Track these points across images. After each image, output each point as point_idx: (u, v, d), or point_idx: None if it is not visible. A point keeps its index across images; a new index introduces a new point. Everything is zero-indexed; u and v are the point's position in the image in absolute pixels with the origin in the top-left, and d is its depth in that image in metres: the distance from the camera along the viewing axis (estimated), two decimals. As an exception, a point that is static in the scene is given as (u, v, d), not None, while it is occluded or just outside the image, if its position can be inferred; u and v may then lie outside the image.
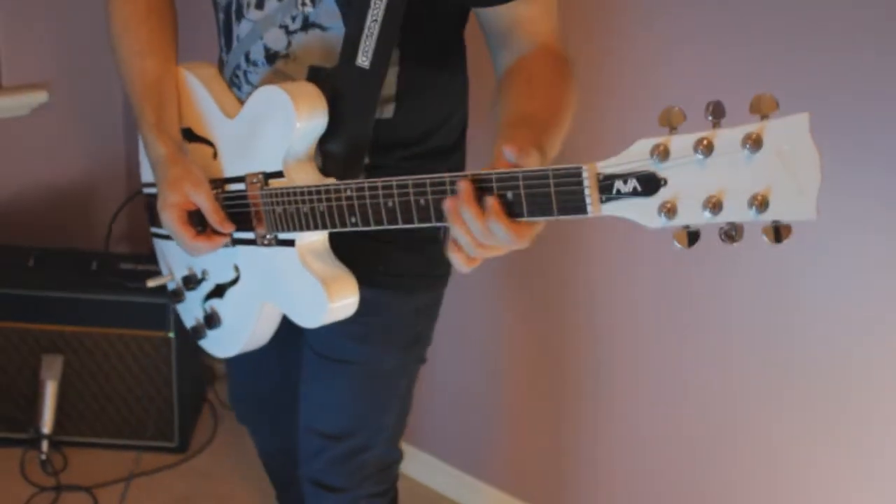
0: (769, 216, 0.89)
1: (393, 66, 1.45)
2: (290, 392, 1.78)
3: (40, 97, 2.89)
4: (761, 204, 0.88)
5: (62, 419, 2.76)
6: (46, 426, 2.69)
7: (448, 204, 1.15)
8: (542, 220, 1.10)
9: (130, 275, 2.71)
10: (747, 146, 0.88)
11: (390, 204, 1.23)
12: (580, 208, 1.03)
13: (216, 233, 1.50)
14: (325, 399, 1.70)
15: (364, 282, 1.46)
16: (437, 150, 1.58)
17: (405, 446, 2.72)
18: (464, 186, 1.12)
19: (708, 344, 2.15)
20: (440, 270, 1.65)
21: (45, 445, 2.69)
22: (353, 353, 1.62)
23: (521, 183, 1.08)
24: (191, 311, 1.70)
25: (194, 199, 1.48)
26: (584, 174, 1.01)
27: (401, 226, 1.23)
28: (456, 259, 1.19)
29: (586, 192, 1.01)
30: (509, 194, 1.09)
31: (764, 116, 0.89)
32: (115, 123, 3.09)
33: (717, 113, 0.92)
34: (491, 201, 1.10)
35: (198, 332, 1.68)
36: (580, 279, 2.34)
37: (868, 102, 1.85)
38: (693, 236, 0.96)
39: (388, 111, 1.49)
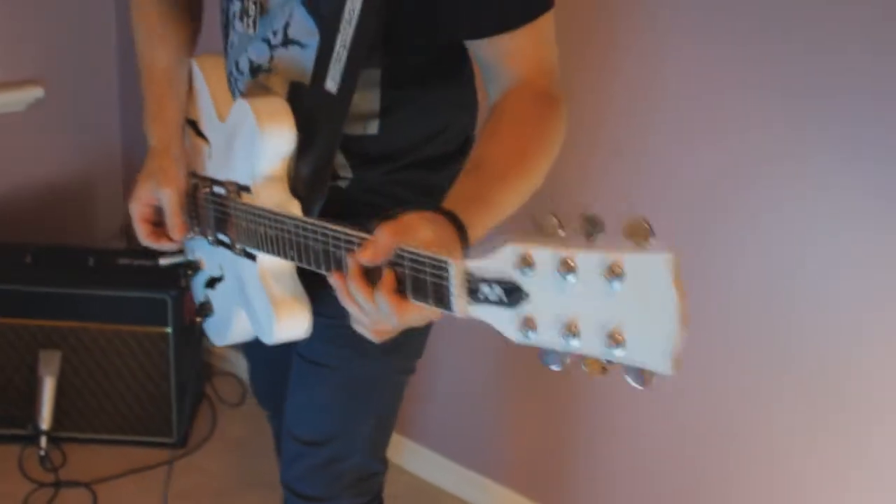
0: (624, 357, 0.80)
1: (374, 87, 1.41)
2: None
3: (36, 93, 2.88)
4: (616, 342, 0.80)
5: (60, 415, 2.77)
6: (45, 422, 2.70)
7: (336, 280, 1.12)
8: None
9: (128, 270, 2.71)
10: (607, 276, 0.79)
11: (317, 248, 1.20)
12: (448, 305, 0.96)
13: (167, 235, 1.57)
14: (305, 404, 1.68)
15: None
16: (429, 160, 1.52)
17: (408, 442, 2.75)
18: (351, 264, 1.09)
19: (707, 340, 2.13)
20: None
21: (43, 441, 2.70)
22: (331, 356, 1.59)
23: (405, 263, 1.03)
24: (198, 291, 1.75)
25: (158, 196, 1.53)
26: (452, 270, 0.94)
27: (324, 272, 1.20)
28: (360, 329, 1.16)
29: (453, 290, 0.95)
30: (397, 270, 1.05)
31: (638, 244, 0.80)
32: (111, 119, 3.08)
33: (591, 227, 0.83)
34: (385, 273, 1.05)
35: (199, 313, 1.72)
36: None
37: (866, 99, 1.82)
38: (555, 356, 0.89)
39: (371, 127, 1.44)
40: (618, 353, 0.81)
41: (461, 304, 0.95)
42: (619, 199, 2.14)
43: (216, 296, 1.64)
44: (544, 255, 0.85)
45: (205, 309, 1.67)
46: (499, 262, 0.90)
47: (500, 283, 0.90)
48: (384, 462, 1.77)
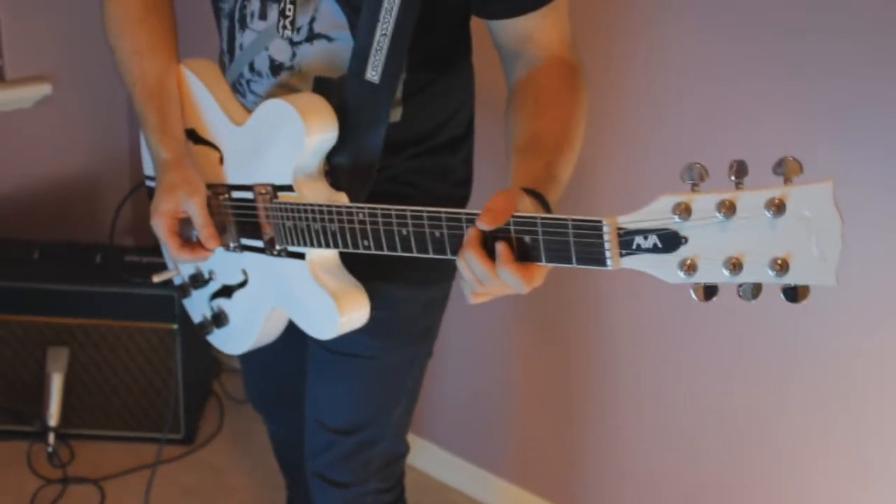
0: (788, 279, 0.89)
1: (401, 73, 1.43)
2: (304, 383, 1.77)
3: (44, 90, 2.87)
4: (782, 267, 0.89)
5: (68, 412, 2.77)
6: (53, 419, 2.70)
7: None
8: (559, 266, 1.10)
9: (135, 267, 2.71)
10: (770, 210, 0.88)
11: (404, 233, 1.22)
12: (600, 261, 1.02)
13: (201, 245, 1.51)
14: (334, 393, 1.70)
15: (375, 275, 1.46)
16: (447, 143, 1.58)
17: (415, 439, 2.77)
18: (471, 233, 1.13)
19: (712, 340, 2.16)
20: (451, 264, 1.64)
21: (51, 438, 2.70)
22: (363, 347, 1.61)
23: (539, 229, 1.07)
24: (197, 307, 1.71)
25: (185, 208, 1.49)
26: (605, 228, 1.00)
27: (415, 254, 1.23)
28: (465, 291, 1.19)
29: (606, 245, 1.01)
30: (527, 238, 1.09)
31: (787, 180, 0.88)
32: (119, 115, 3.07)
33: (739, 173, 0.91)
34: (500, 247, 1.10)
35: (205, 329, 1.68)
36: (589, 279, 2.34)
37: (873, 89, 1.83)
38: (711, 291, 0.96)
39: (395, 115, 1.48)
40: (783, 278, 0.90)
41: (615, 258, 1.01)
42: (625, 189, 2.17)
43: (234, 304, 1.62)
44: (703, 201, 0.93)
45: (219, 320, 1.65)
46: (652, 213, 0.97)
47: (655, 231, 0.97)
48: (407, 445, 1.83)
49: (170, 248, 1.52)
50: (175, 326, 2.72)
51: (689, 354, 2.21)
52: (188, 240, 1.53)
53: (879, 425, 1.97)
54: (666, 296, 2.18)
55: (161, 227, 1.50)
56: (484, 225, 1.10)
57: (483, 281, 1.13)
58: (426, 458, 2.80)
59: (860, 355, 1.96)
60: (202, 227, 1.49)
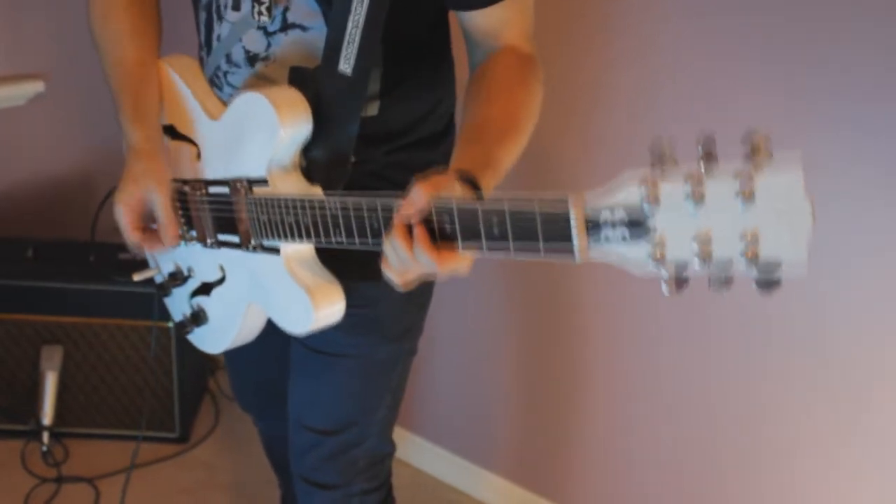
0: (759, 250, 0.86)
1: (375, 66, 1.43)
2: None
3: (37, 87, 2.85)
4: (753, 256, 0.86)
5: (63, 410, 2.76)
6: (47, 417, 2.70)
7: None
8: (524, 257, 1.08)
9: (128, 265, 2.69)
10: (738, 199, 0.85)
11: (375, 225, 1.21)
12: (568, 252, 1.00)
13: (159, 239, 1.50)
14: (316, 393, 1.69)
15: (355, 273, 1.44)
16: (426, 138, 1.57)
17: (408, 435, 2.76)
18: (397, 219, 1.15)
19: (708, 337, 2.15)
20: None
21: (45, 437, 2.70)
22: (344, 345, 1.60)
23: (507, 217, 1.05)
24: (178, 305, 1.69)
25: (150, 200, 1.47)
26: (572, 217, 0.98)
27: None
28: (389, 276, 1.21)
29: (574, 234, 0.98)
30: (447, 224, 1.11)
31: (760, 161, 0.86)
32: (112, 113, 3.05)
33: (709, 158, 0.88)
34: (417, 229, 1.12)
35: (185, 327, 1.67)
36: (584, 270, 2.32)
37: (869, 74, 1.80)
38: (681, 283, 0.94)
39: (372, 109, 1.47)
40: (754, 268, 0.87)
41: (582, 250, 0.98)
42: (617, 167, 2.13)
43: (212, 301, 1.60)
44: (670, 189, 0.90)
45: (198, 318, 1.63)
46: (619, 201, 0.94)
47: (622, 221, 0.94)
48: (393, 444, 1.81)
49: (129, 240, 1.50)
50: (170, 324, 2.71)
51: (681, 349, 2.20)
52: (148, 228, 1.51)
53: (863, 414, 1.95)
54: (656, 291, 2.16)
55: (123, 218, 1.48)
56: (404, 216, 1.13)
57: (404, 263, 1.16)
58: (419, 454, 2.80)
59: (844, 343, 1.94)
60: (166, 224, 1.48)
